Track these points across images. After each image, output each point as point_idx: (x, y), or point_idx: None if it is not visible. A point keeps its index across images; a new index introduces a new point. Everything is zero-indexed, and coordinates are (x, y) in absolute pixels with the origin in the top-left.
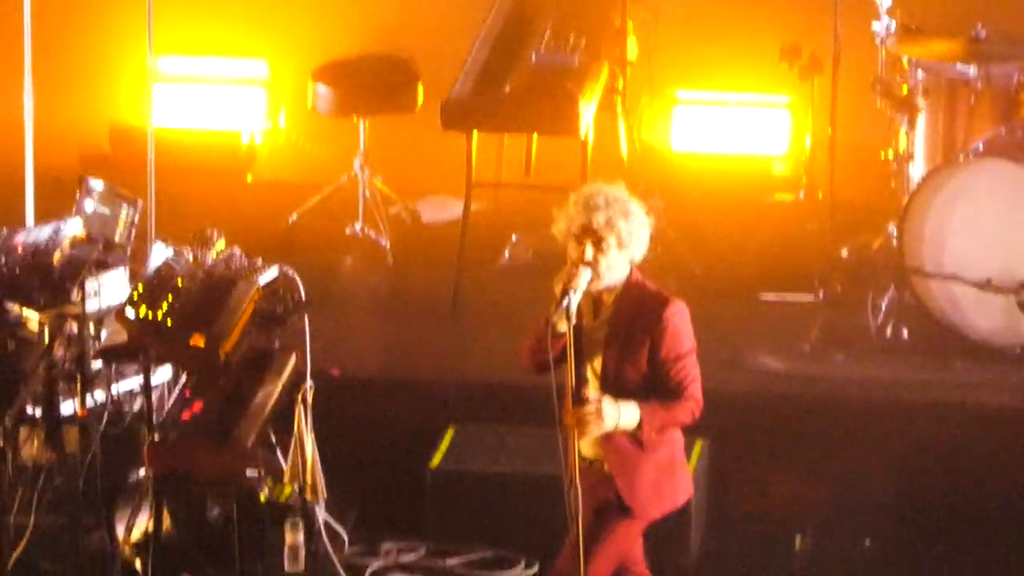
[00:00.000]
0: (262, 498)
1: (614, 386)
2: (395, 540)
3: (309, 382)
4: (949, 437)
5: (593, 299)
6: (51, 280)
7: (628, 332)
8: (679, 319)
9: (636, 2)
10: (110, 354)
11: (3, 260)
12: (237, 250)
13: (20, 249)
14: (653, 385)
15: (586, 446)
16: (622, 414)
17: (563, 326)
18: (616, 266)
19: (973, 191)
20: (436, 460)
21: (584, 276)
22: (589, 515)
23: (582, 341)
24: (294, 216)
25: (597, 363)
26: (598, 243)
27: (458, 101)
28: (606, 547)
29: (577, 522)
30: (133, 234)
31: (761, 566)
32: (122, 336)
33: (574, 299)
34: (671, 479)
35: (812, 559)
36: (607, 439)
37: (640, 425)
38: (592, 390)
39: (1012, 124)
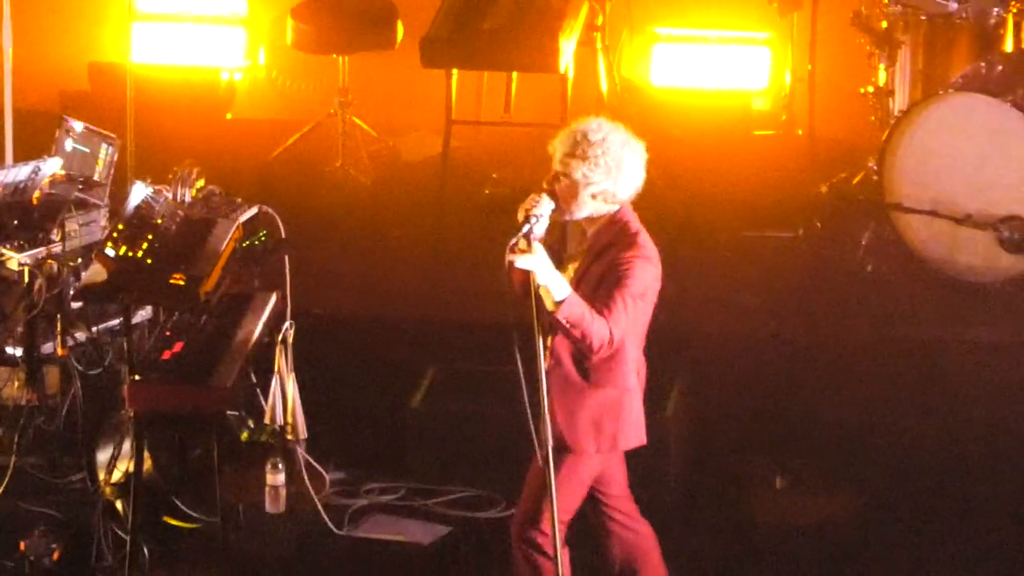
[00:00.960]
0: (243, 438)
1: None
2: (376, 480)
3: (290, 321)
4: (929, 372)
5: (581, 231)
6: (30, 219)
7: (591, 265)
8: (638, 263)
9: None
10: (90, 294)
11: None
12: (217, 188)
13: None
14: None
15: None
16: (558, 279)
17: (525, 250)
18: (583, 203)
19: (953, 126)
20: (417, 399)
21: (544, 203)
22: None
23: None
24: (274, 154)
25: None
26: (557, 177)
27: (437, 38)
28: (558, 483)
29: (547, 458)
30: (112, 173)
31: (741, 505)
32: (102, 276)
33: (536, 226)
34: (615, 420)
35: (792, 497)
36: (555, 366)
37: (561, 301)
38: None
39: (991, 58)
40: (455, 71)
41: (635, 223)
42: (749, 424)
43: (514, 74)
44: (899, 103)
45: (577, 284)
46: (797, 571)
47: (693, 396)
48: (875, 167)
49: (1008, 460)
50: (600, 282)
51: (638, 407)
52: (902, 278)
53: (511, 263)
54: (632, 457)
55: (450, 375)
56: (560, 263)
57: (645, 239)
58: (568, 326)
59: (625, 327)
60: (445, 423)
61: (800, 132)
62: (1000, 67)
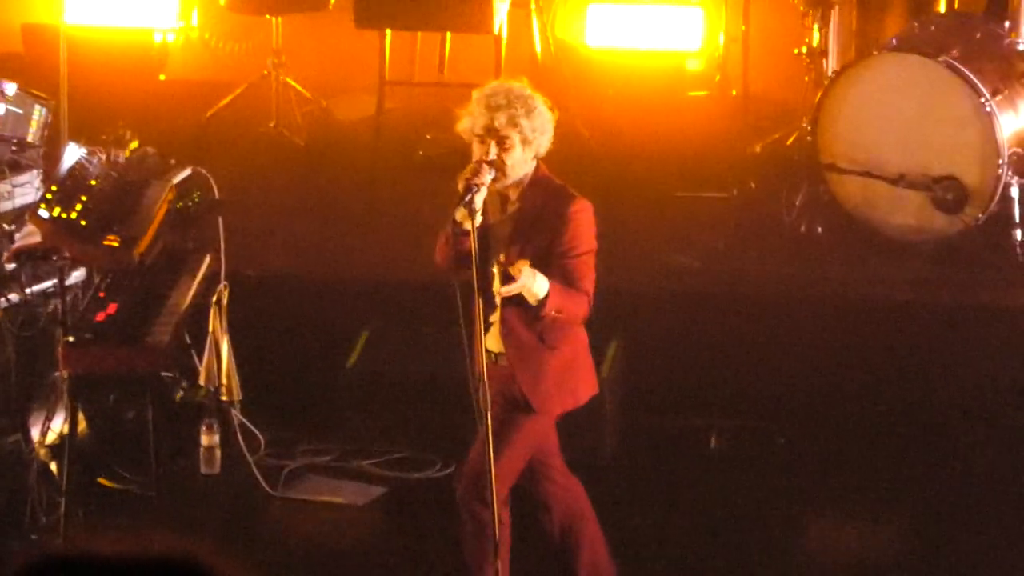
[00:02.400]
0: (177, 399)
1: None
2: (310, 441)
3: (224, 282)
4: (862, 333)
5: (499, 195)
6: None
7: (532, 227)
8: (583, 217)
9: None
10: (24, 255)
11: None
12: (150, 149)
13: None
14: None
15: (492, 341)
16: (537, 279)
17: (467, 224)
18: (521, 163)
19: (886, 86)
20: (351, 360)
21: (486, 173)
22: (496, 411)
23: (488, 238)
24: (207, 115)
25: (502, 258)
26: (501, 142)
27: None
28: (513, 443)
29: (486, 418)
30: (46, 135)
31: (676, 465)
32: (36, 237)
33: (477, 197)
34: (573, 375)
35: (727, 457)
36: (509, 334)
37: (546, 297)
38: (495, 288)
39: (925, 19)
40: (388, 31)
41: (552, 176)
42: (684, 385)
43: (448, 35)
44: (833, 64)
45: (521, 250)
46: (731, 532)
47: (628, 357)
48: (809, 128)
49: (933, 416)
50: (551, 244)
51: (590, 360)
52: (836, 239)
53: (458, 230)
54: (567, 418)
55: (385, 336)
56: (485, 235)
57: (569, 188)
58: (555, 315)
59: (592, 279)
60: (380, 384)
61: (734, 93)
62: (933, 28)
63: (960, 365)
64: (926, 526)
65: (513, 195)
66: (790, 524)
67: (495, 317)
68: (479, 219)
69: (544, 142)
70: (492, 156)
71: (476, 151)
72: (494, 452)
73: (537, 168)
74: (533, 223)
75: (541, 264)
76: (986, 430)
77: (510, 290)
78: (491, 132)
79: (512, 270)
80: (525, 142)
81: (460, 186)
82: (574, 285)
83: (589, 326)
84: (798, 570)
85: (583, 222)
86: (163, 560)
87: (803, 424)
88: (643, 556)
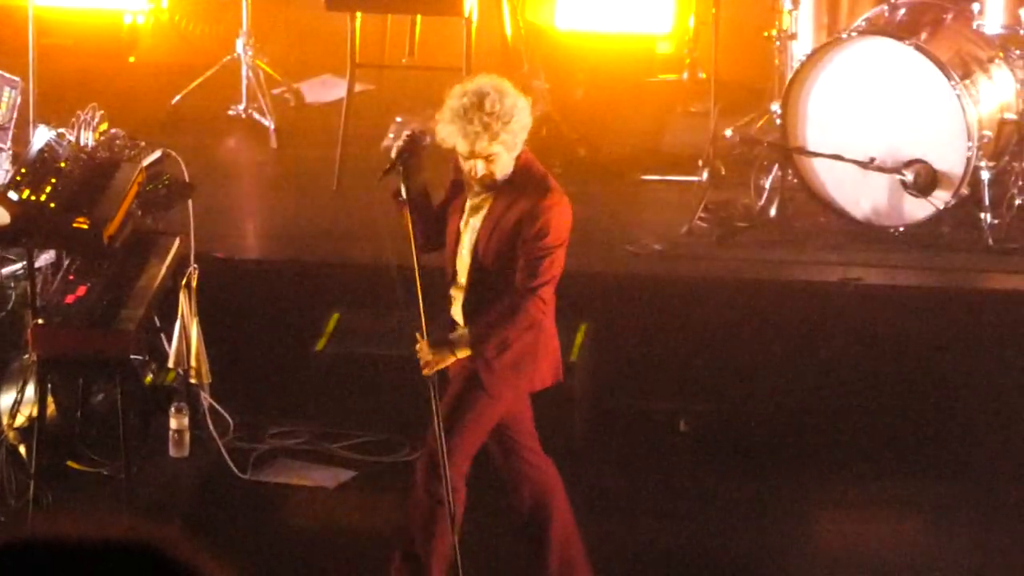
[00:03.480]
0: (147, 382)
1: (483, 260)
2: (280, 424)
3: (193, 265)
4: (831, 316)
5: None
6: None
7: (504, 213)
8: (556, 212)
9: None
10: None
11: None
12: (120, 132)
13: None
14: (513, 269)
15: (457, 314)
16: (452, 347)
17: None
18: (508, 164)
19: (856, 70)
20: (321, 343)
21: (417, 140)
22: (456, 388)
23: (459, 211)
24: (177, 97)
25: (472, 235)
26: (487, 159)
27: None
28: (469, 422)
29: (434, 397)
30: (15, 116)
31: (645, 449)
32: (5, 219)
33: (410, 160)
34: (533, 360)
35: (696, 441)
36: (468, 312)
37: (476, 352)
38: (462, 264)
39: (894, 2)
40: (359, 14)
41: (536, 163)
42: (653, 368)
43: (418, 17)
44: (803, 47)
45: (489, 235)
46: (700, 516)
47: (597, 341)
48: (779, 111)
49: (899, 399)
50: (517, 233)
51: (554, 345)
52: (805, 222)
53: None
54: (537, 402)
55: (354, 319)
56: (425, 208)
57: (551, 179)
58: (499, 351)
59: (551, 276)
60: (349, 367)
61: (703, 76)
62: (903, 11)
63: (929, 348)
64: (893, 509)
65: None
66: (759, 507)
67: (456, 294)
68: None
69: (524, 135)
70: (482, 172)
71: (462, 161)
72: (451, 430)
73: (520, 155)
74: (506, 209)
75: (507, 248)
76: (958, 411)
77: (430, 372)
78: (475, 155)
79: (420, 355)
80: (509, 148)
81: (393, 154)
82: (528, 285)
83: (558, 311)
84: (767, 552)
85: (555, 216)
86: (127, 545)
87: (772, 408)
88: (613, 539)
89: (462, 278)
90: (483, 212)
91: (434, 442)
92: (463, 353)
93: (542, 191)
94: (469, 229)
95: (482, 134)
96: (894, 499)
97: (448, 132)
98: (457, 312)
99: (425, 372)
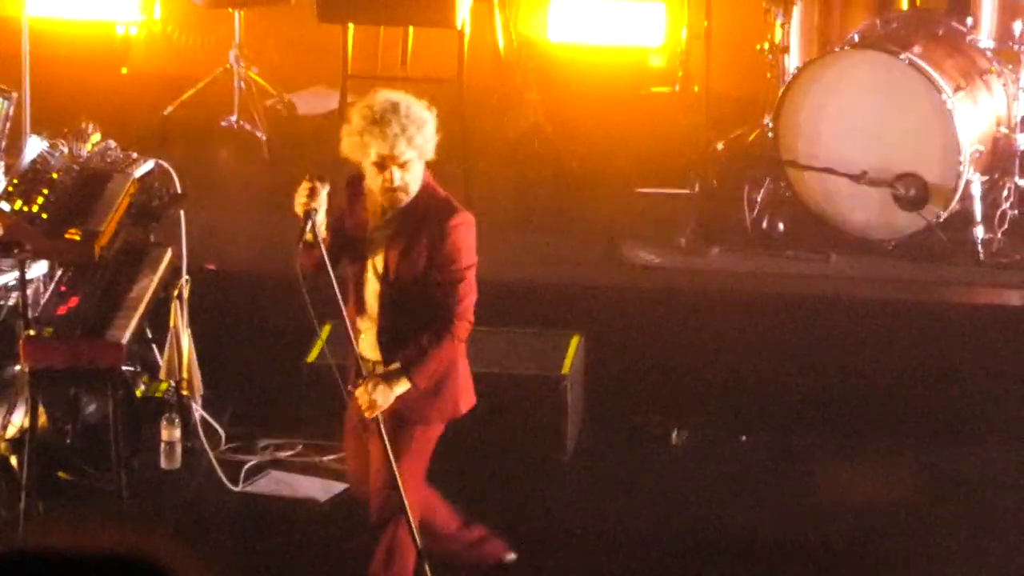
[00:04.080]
0: (138, 394)
1: (394, 287)
2: (272, 436)
3: (185, 276)
4: (823, 330)
5: (376, 204)
6: None
7: (412, 236)
8: (463, 231)
9: None
10: None
11: None
12: (112, 143)
13: None
14: (430, 294)
15: (368, 348)
16: (391, 385)
17: (311, 238)
18: (418, 177)
19: (848, 83)
20: (313, 355)
21: (322, 192)
22: (386, 425)
23: (364, 241)
24: (169, 109)
25: (379, 261)
26: (403, 165)
27: None
28: (410, 456)
29: (384, 437)
30: (7, 127)
31: (637, 461)
32: None
33: (318, 218)
34: (454, 384)
35: (689, 453)
36: (385, 342)
37: (414, 384)
38: (371, 293)
39: (887, 15)
40: (351, 25)
41: (437, 185)
42: (646, 380)
43: (411, 29)
44: (795, 60)
45: (398, 261)
46: (691, 528)
47: (589, 353)
48: (771, 124)
49: (893, 412)
50: (428, 256)
51: (467, 367)
52: (797, 236)
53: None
54: (529, 414)
55: (346, 331)
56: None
57: (453, 199)
58: (430, 380)
59: (473, 296)
60: (341, 380)
61: (696, 89)
62: (895, 24)
63: (922, 362)
64: (891, 520)
65: (397, 204)
66: (750, 520)
67: (366, 325)
68: (384, 389)
69: (433, 146)
70: (398, 182)
71: (373, 176)
72: (383, 462)
73: (423, 177)
74: (413, 232)
75: (417, 272)
76: (951, 424)
77: (376, 414)
78: (391, 159)
79: (362, 398)
80: (421, 155)
81: (299, 211)
82: (450, 309)
83: (551, 322)
84: (759, 565)
85: (463, 236)
86: (118, 556)
87: (764, 421)
88: (602, 551)
89: (372, 308)
90: (388, 234)
91: (378, 483)
92: (402, 387)
93: (448, 211)
94: (375, 256)
95: (400, 136)
96: (893, 501)
97: (362, 142)
98: (368, 346)
99: (370, 415)
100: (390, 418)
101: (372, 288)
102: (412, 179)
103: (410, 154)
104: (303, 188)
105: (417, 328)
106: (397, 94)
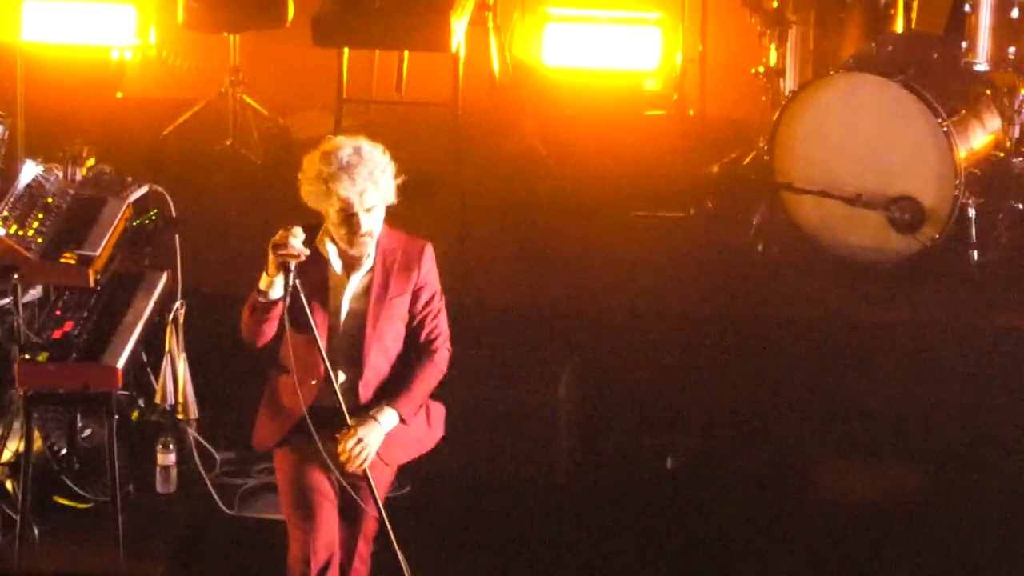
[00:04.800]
0: (134, 418)
1: (378, 330)
2: (267, 460)
3: (180, 300)
4: (820, 352)
5: (340, 252)
6: None
7: (389, 277)
8: (432, 260)
9: None
10: None
11: None
12: (107, 167)
13: None
14: (411, 328)
15: (343, 395)
16: (384, 425)
17: (274, 292)
18: (382, 219)
19: (843, 106)
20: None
21: (297, 240)
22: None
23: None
24: (165, 133)
25: (358, 308)
26: (370, 211)
27: (329, 16)
28: (373, 502)
29: (372, 491)
30: (2, 151)
31: (631, 487)
32: None
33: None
34: (419, 423)
35: (683, 478)
36: (368, 386)
37: (403, 419)
38: (345, 342)
39: (882, 38)
40: (346, 49)
41: (388, 224)
42: (640, 405)
43: (406, 53)
44: (790, 83)
45: (382, 304)
46: (687, 553)
47: (584, 377)
48: (766, 147)
49: (894, 435)
50: (412, 293)
51: (429, 401)
52: (793, 259)
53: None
54: (523, 438)
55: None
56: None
57: (405, 232)
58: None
59: (446, 323)
60: None
61: (691, 112)
62: (891, 47)
63: (918, 384)
64: (892, 539)
65: (364, 250)
66: (746, 545)
67: (350, 370)
68: (376, 427)
69: (393, 192)
70: (366, 228)
71: (337, 223)
72: (360, 518)
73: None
74: (390, 275)
75: (401, 315)
76: (948, 446)
77: (364, 464)
78: (361, 206)
79: (352, 445)
80: (385, 200)
81: (273, 259)
82: (433, 343)
83: (546, 345)
84: None
85: (433, 265)
86: None
87: (760, 444)
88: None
89: (354, 356)
90: (359, 288)
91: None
92: (391, 424)
93: (414, 245)
94: (347, 307)
95: (368, 181)
96: (885, 531)
97: (328, 189)
98: (340, 394)
99: (360, 463)
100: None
101: (348, 340)
102: (376, 224)
103: (376, 199)
104: (280, 234)
105: (401, 365)
106: (356, 139)
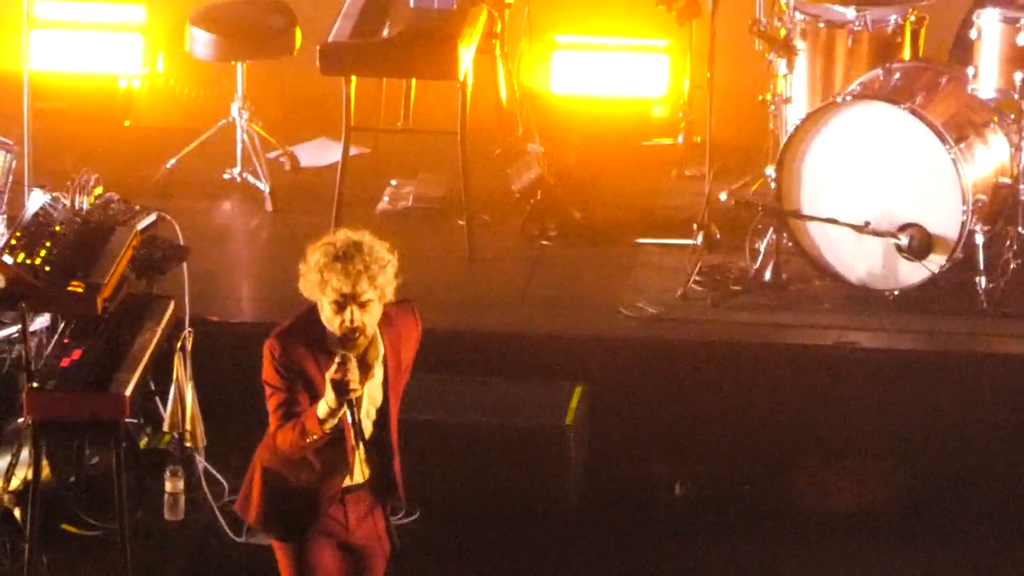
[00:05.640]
0: (142, 446)
1: (388, 412)
2: None
3: (188, 328)
4: (826, 379)
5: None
6: None
7: (400, 360)
8: (418, 316)
9: None
10: None
11: None
12: (115, 195)
13: None
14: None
15: (360, 471)
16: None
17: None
18: (378, 315)
19: (850, 133)
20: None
21: (353, 366)
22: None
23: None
24: (172, 161)
25: (375, 394)
26: (363, 305)
27: (336, 45)
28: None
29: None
30: (10, 180)
31: (640, 512)
32: (0, 283)
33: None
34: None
35: (691, 505)
36: (375, 454)
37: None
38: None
39: (889, 66)
40: (354, 78)
41: None
42: (649, 432)
43: (413, 81)
44: (797, 110)
45: (396, 383)
46: None
47: (592, 404)
48: (773, 175)
49: (900, 462)
50: (410, 363)
51: None
52: (800, 286)
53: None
54: (532, 465)
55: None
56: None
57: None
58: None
59: None
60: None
61: (698, 139)
62: (898, 75)
63: (925, 412)
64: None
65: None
66: (755, 572)
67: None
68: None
69: (392, 290)
70: (356, 323)
71: (331, 315)
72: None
73: None
74: (403, 348)
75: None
76: (954, 473)
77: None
78: (351, 298)
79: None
80: (381, 297)
81: (336, 401)
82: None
83: (554, 372)
84: None
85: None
86: None
87: (767, 471)
88: None
89: (382, 439)
90: (380, 375)
91: None
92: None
93: (406, 312)
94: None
95: (363, 274)
96: (894, 564)
97: (322, 279)
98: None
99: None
100: (374, 542)
101: (360, 424)
102: (370, 321)
103: (371, 294)
104: (343, 373)
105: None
106: (359, 233)
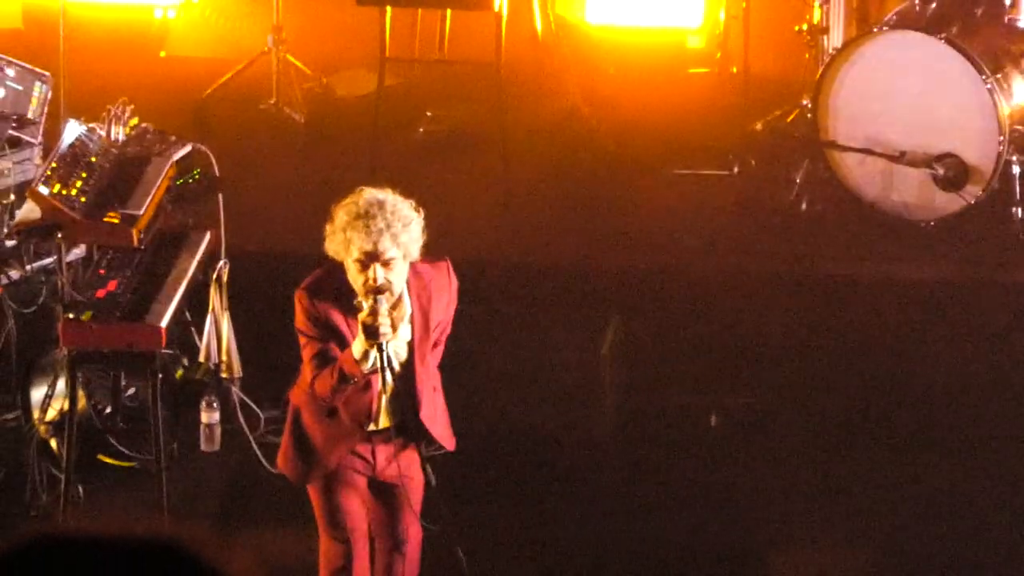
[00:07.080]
0: (178, 376)
1: (427, 370)
2: None
3: (224, 259)
4: (862, 310)
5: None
6: None
7: (429, 320)
8: (455, 277)
9: None
10: (24, 232)
11: None
12: (150, 126)
13: None
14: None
15: (384, 417)
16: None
17: (368, 364)
18: (403, 276)
19: (887, 63)
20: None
21: (383, 312)
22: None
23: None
24: (207, 92)
25: (402, 349)
26: (386, 263)
27: None
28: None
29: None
30: (46, 111)
31: (675, 442)
32: (36, 214)
33: (391, 347)
34: (446, 409)
35: (727, 436)
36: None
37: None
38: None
39: None
40: (388, 8)
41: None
42: (684, 362)
43: (448, 11)
44: (833, 40)
45: (423, 343)
46: (729, 510)
47: (628, 334)
48: (809, 105)
49: (934, 394)
50: (440, 322)
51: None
52: (836, 216)
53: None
54: (567, 396)
55: None
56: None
57: (422, 259)
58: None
59: None
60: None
61: (735, 70)
62: (934, 4)
63: (962, 341)
64: (924, 512)
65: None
66: (788, 504)
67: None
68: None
69: (418, 249)
70: (381, 280)
71: (355, 274)
72: (413, 522)
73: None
74: (428, 316)
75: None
76: (989, 404)
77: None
78: (374, 256)
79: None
80: (406, 256)
81: (368, 343)
82: (438, 357)
83: (588, 303)
84: (794, 550)
85: (455, 280)
86: (151, 543)
87: (803, 404)
88: (639, 531)
89: (409, 396)
90: (410, 333)
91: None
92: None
93: (440, 273)
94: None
95: (385, 232)
96: (924, 493)
97: (345, 238)
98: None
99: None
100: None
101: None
102: (396, 279)
103: (394, 252)
104: (366, 315)
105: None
106: (384, 192)
